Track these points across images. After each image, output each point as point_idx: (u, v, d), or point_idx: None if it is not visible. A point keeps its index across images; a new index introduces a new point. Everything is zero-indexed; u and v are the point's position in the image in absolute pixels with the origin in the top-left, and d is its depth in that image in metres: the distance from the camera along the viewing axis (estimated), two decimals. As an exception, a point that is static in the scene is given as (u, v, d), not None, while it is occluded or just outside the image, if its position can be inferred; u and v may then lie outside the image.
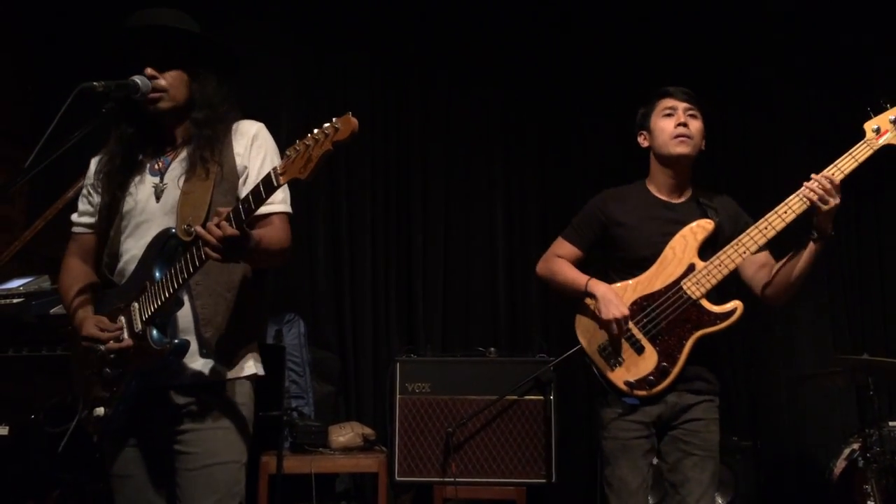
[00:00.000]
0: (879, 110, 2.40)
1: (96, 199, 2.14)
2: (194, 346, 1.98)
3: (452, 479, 3.86)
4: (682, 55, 4.88)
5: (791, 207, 2.41)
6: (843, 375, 3.71)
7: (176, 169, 2.05)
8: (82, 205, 2.20)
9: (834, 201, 2.33)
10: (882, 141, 2.37)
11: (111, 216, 2.07)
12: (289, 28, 4.97)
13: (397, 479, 3.93)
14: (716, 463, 2.54)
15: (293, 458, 3.84)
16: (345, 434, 4.01)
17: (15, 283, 3.20)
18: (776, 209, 2.44)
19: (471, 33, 5.02)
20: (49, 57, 4.58)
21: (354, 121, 1.63)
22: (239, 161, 2.06)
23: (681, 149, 2.59)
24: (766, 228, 2.46)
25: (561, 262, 2.74)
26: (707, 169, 4.74)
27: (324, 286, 4.79)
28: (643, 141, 2.71)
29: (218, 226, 1.74)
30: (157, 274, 1.92)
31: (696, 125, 2.63)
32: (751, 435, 4.37)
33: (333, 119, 1.65)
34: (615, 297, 2.53)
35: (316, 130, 1.66)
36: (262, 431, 3.64)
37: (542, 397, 3.95)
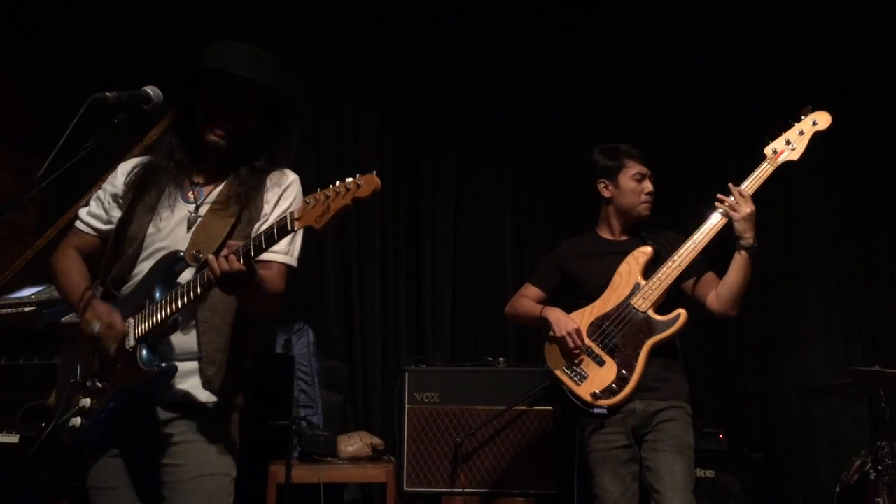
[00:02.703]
0: (775, 136, 2.81)
1: (115, 208, 2.13)
2: (195, 367, 1.99)
3: (461, 490, 3.86)
4: (692, 68, 4.90)
5: (710, 223, 2.77)
6: (855, 387, 3.69)
7: (210, 202, 2.06)
8: (97, 207, 2.17)
9: (744, 209, 2.68)
10: (781, 159, 2.78)
11: (133, 233, 2.05)
12: (298, 41, 4.99)
13: (405, 489, 3.93)
14: (689, 460, 2.71)
15: (302, 467, 3.84)
16: (353, 444, 4.01)
17: (26, 292, 3.21)
18: (699, 226, 2.78)
19: (481, 41, 5.05)
20: (63, 67, 4.62)
21: (377, 180, 1.65)
22: (266, 208, 2.08)
23: (647, 212, 2.98)
24: (695, 242, 2.78)
25: (523, 299, 3.09)
26: (719, 187, 4.76)
27: (333, 295, 4.80)
28: (604, 190, 3.01)
29: (227, 258, 1.75)
30: (158, 294, 1.91)
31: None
32: (762, 447, 4.35)
33: (357, 175, 1.67)
34: (564, 316, 2.88)
35: (338, 183, 1.68)
36: (270, 441, 3.67)
37: (550, 408, 3.95)
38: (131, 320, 1.92)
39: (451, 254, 4.92)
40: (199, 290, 1.82)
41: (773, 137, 2.81)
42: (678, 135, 4.97)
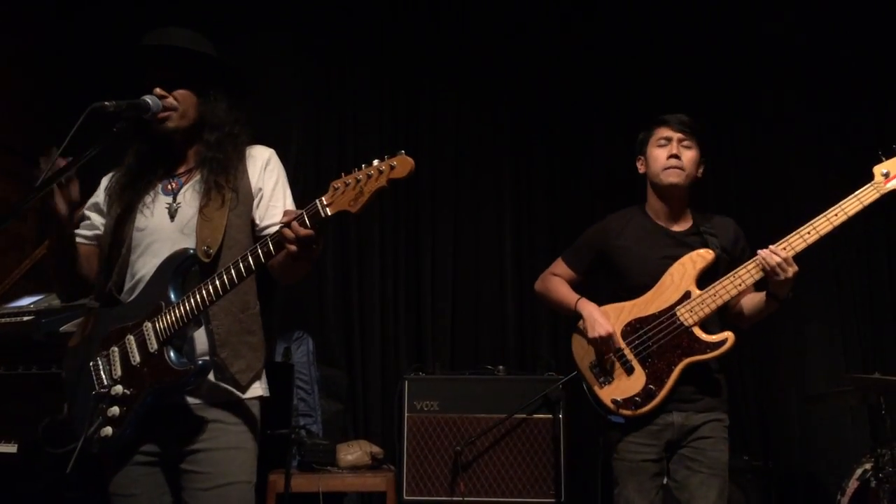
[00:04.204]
0: (891, 154, 2.40)
1: (98, 217, 2.18)
2: (211, 377, 1.99)
3: (461, 499, 3.85)
4: (692, 72, 4.91)
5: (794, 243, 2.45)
6: (855, 394, 3.69)
7: (189, 190, 2.08)
8: (83, 219, 2.21)
9: (785, 274, 2.43)
10: (890, 185, 2.38)
11: (122, 234, 2.08)
12: (299, 44, 5.02)
13: (405, 498, 3.91)
14: (723, 482, 2.56)
15: (301, 476, 3.83)
16: (353, 452, 4.00)
17: (25, 301, 3.21)
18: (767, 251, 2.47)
19: (480, 49, 5.06)
20: (64, 75, 4.63)
21: (411, 160, 1.68)
22: (253, 183, 2.11)
23: (672, 179, 2.65)
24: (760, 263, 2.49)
25: (556, 280, 2.86)
26: (719, 191, 4.77)
27: (332, 304, 4.79)
28: (640, 166, 2.79)
29: (290, 226, 1.76)
30: (173, 295, 1.92)
31: (689, 155, 2.68)
32: (762, 454, 4.34)
33: (386, 157, 1.69)
34: (600, 317, 2.63)
35: (366, 166, 1.69)
36: (270, 450, 3.66)
37: (550, 416, 3.94)
38: (148, 324, 1.93)
39: (450, 261, 4.92)
40: (228, 286, 1.84)
41: (889, 155, 2.40)
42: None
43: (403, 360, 4.74)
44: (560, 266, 2.89)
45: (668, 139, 2.69)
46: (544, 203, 5.01)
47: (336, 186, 1.72)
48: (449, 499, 3.88)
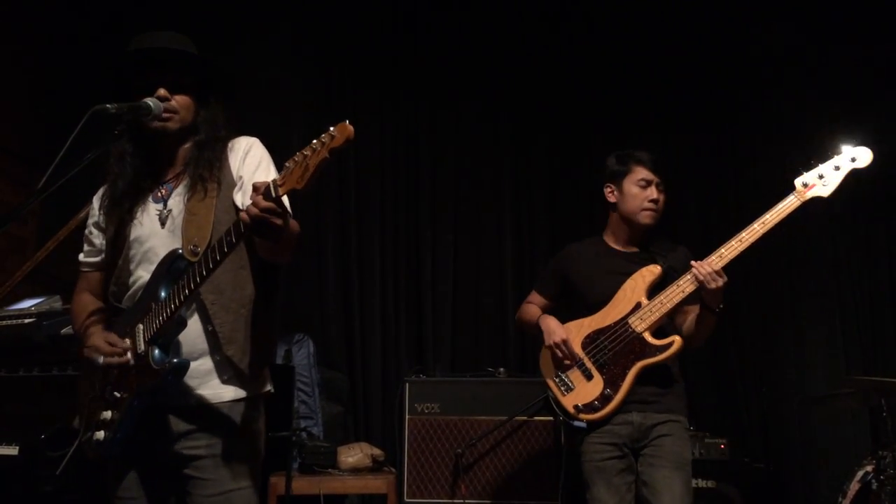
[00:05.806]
0: (808, 167, 2.68)
1: (100, 237, 2.17)
2: (212, 365, 1.99)
3: (462, 501, 3.85)
4: (691, 76, 4.92)
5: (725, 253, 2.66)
6: (856, 397, 3.68)
7: (178, 194, 2.07)
8: (88, 245, 2.22)
9: (715, 284, 2.61)
10: (809, 194, 2.66)
11: (118, 246, 2.08)
12: (299, 45, 5.03)
13: (406, 500, 3.91)
14: (687, 475, 2.70)
15: (302, 479, 3.83)
16: (354, 455, 4.00)
17: (26, 304, 3.21)
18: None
19: (481, 50, 5.07)
20: (63, 79, 4.63)
21: (350, 128, 1.63)
22: (234, 172, 2.10)
23: (648, 221, 2.89)
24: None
25: (528, 306, 3.13)
26: (718, 195, 4.78)
27: (333, 306, 4.80)
28: (610, 195, 2.96)
29: (254, 203, 1.71)
30: (163, 294, 1.92)
31: (663, 199, 2.91)
32: (763, 457, 4.34)
33: (331, 128, 1.65)
34: (556, 325, 2.89)
35: (314, 141, 1.66)
36: (270, 452, 3.66)
37: (551, 418, 3.94)
38: (140, 325, 1.94)
39: (451, 263, 4.92)
40: (198, 280, 1.83)
41: (807, 168, 2.68)
42: (679, 147, 4.97)
43: (404, 362, 4.74)
44: (533, 295, 3.14)
45: (649, 182, 2.88)
46: (544, 204, 5.02)
47: (287, 165, 1.69)
48: (450, 501, 3.88)
